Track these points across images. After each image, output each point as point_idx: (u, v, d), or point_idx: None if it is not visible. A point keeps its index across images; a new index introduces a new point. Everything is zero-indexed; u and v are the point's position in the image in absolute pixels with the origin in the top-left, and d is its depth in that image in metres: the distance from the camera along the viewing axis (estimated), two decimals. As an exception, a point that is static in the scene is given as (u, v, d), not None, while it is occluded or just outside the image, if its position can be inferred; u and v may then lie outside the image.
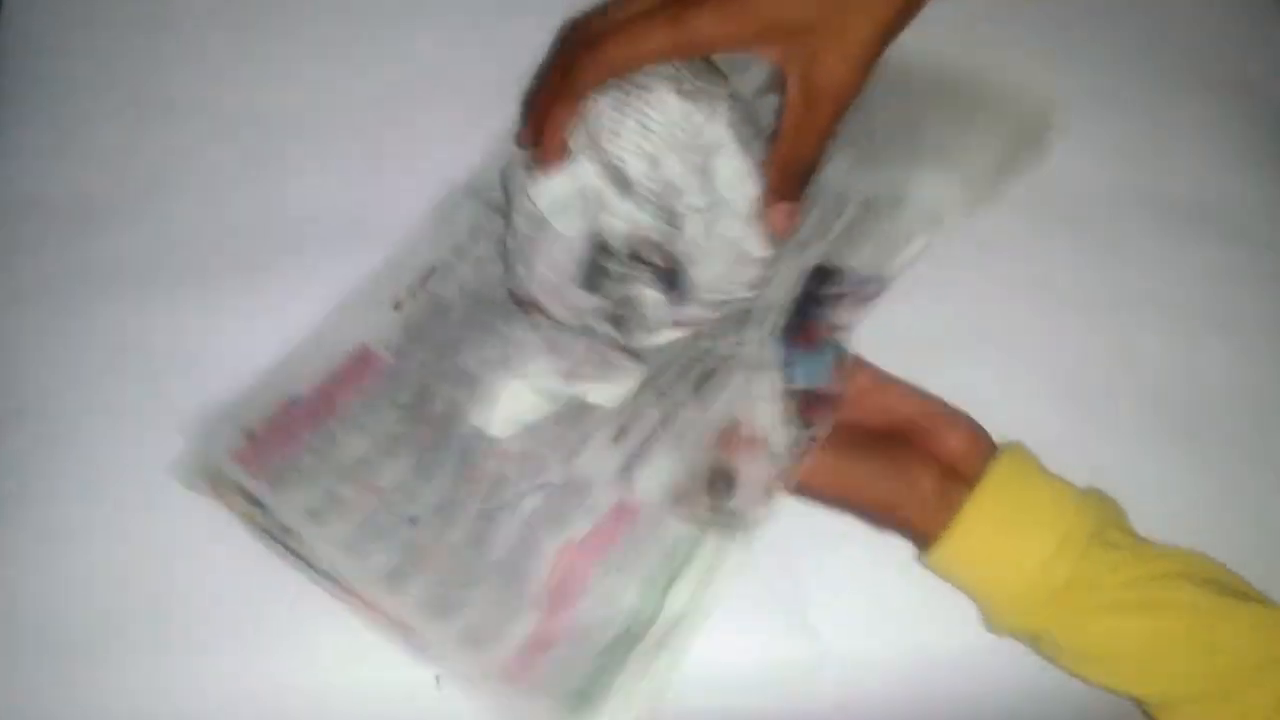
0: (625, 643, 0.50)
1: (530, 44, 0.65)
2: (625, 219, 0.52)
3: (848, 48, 0.49)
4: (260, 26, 0.68)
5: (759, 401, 0.53)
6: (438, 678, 0.51)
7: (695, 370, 0.55)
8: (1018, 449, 0.53)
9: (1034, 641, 0.52)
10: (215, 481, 0.53)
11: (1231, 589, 0.50)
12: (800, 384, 0.53)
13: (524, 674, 0.50)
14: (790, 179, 0.52)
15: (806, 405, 0.53)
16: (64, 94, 0.66)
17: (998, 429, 0.54)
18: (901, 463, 0.52)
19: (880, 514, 0.53)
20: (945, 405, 0.54)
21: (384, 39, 0.69)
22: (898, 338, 0.60)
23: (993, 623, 0.52)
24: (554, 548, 0.52)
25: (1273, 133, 0.71)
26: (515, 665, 0.50)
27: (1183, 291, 0.65)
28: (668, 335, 0.55)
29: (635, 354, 0.56)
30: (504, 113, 0.65)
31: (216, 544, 0.54)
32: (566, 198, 0.52)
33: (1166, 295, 0.65)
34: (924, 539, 0.52)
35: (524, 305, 0.57)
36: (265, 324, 0.59)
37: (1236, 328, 0.64)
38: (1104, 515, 0.51)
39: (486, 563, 0.52)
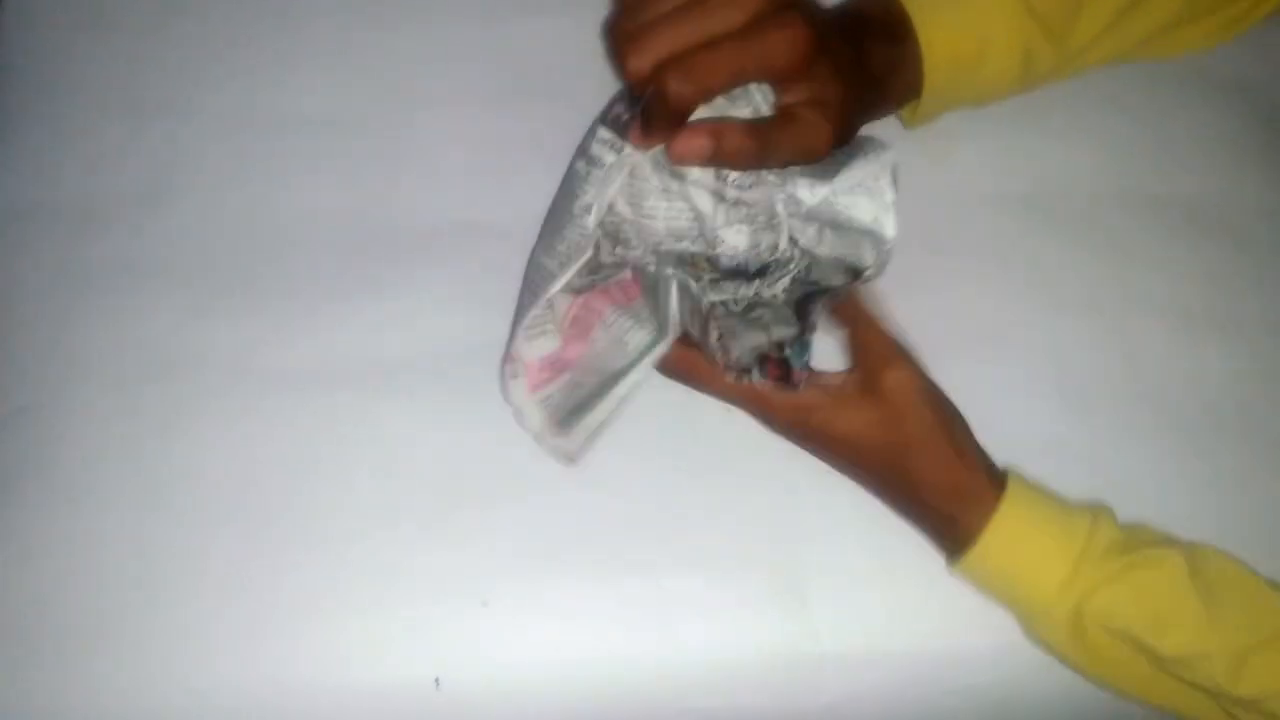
0: (609, 382, 0.54)
1: (532, 45, 0.66)
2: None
3: None
4: (261, 29, 0.68)
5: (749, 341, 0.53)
6: (437, 680, 0.52)
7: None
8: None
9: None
10: None
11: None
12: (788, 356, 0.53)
13: (540, 386, 0.55)
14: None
15: (773, 372, 0.52)
16: (64, 97, 0.65)
17: (998, 429, 0.54)
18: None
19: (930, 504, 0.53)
20: None
21: (385, 39, 0.69)
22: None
23: (1027, 633, 0.54)
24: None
25: (1272, 134, 0.71)
26: (536, 376, 0.55)
27: (1182, 292, 0.65)
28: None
29: None
30: (506, 113, 0.65)
31: (215, 544, 0.54)
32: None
33: (1166, 296, 0.65)
34: (959, 538, 0.52)
35: None
36: (265, 324, 0.59)
37: (1236, 328, 0.64)
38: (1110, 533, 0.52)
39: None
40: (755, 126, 0.48)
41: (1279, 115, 0.71)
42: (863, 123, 0.55)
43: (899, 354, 0.53)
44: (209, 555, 0.54)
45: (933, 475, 0.52)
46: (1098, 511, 0.52)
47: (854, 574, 0.56)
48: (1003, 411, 0.55)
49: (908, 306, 0.59)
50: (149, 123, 0.65)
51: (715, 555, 0.56)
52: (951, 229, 0.65)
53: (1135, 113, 0.70)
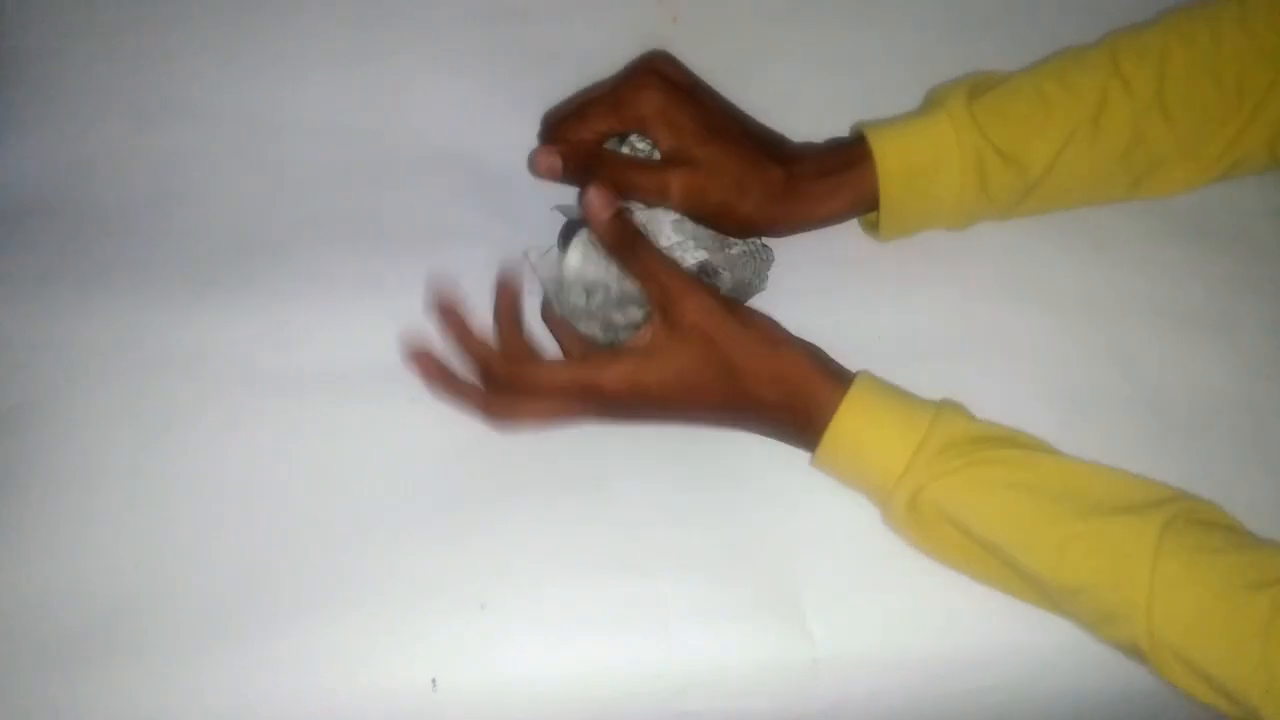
0: None
1: (533, 51, 0.66)
2: None
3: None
4: (262, 30, 0.69)
5: None
6: (434, 680, 0.52)
7: None
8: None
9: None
10: None
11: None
12: None
13: None
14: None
15: None
16: (65, 97, 0.66)
17: (995, 433, 0.54)
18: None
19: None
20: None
21: (387, 42, 0.69)
22: (895, 340, 0.60)
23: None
24: None
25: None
26: None
27: (1180, 294, 0.65)
28: None
29: None
30: (506, 116, 0.65)
31: (216, 544, 0.54)
32: None
33: (1164, 298, 0.65)
34: (816, 432, 0.55)
35: None
36: (265, 324, 0.60)
37: (1233, 330, 0.64)
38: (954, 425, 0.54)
39: None
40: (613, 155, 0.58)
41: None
42: (790, 215, 0.60)
43: (686, 284, 0.54)
44: (206, 555, 0.54)
45: (769, 386, 0.54)
46: (943, 407, 0.54)
47: (849, 578, 0.56)
48: (1000, 414, 0.55)
49: (905, 309, 0.59)
50: (150, 123, 0.65)
51: (711, 559, 0.56)
52: (950, 231, 0.65)
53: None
